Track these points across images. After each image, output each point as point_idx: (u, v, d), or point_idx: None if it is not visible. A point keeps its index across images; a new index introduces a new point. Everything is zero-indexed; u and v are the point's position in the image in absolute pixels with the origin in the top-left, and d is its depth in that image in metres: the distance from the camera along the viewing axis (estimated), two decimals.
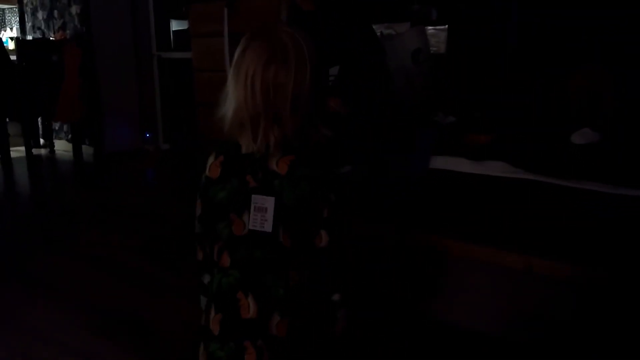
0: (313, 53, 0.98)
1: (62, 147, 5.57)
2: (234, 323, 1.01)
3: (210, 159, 1.05)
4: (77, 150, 5.07)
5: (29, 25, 5.83)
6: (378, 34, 2.88)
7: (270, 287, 0.99)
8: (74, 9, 5.21)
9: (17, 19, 5.91)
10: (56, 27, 5.41)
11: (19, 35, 5.83)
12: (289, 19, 2.06)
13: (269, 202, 0.96)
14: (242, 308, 1.00)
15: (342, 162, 1.87)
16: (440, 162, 1.66)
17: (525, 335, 1.26)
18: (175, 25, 5.33)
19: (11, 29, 6.00)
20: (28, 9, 5.78)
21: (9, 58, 4.94)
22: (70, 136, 5.33)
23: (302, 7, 2.05)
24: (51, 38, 5.38)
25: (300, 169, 0.96)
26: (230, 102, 0.99)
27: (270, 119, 0.96)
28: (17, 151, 5.07)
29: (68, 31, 5.28)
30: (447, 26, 2.84)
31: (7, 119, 4.95)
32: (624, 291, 1.11)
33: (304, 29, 1.02)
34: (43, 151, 5.57)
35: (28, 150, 5.06)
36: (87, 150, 5.24)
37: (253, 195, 0.98)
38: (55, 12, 5.43)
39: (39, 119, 5.57)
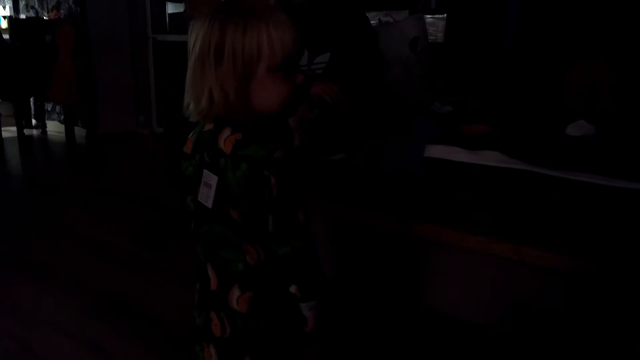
0: (232, 36, 0.94)
1: (54, 128, 5.53)
2: (205, 293, 1.04)
3: (190, 135, 1.05)
4: (69, 131, 5.03)
5: (22, 3, 5.75)
6: (376, 21, 2.86)
7: (229, 261, 0.99)
8: None
9: None
10: (50, 7, 5.34)
11: (12, 13, 5.75)
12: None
13: (214, 180, 0.95)
14: (210, 280, 1.02)
15: (335, 149, 1.86)
16: (436, 151, 1.65)
17: (516, 325, 1.27)
18: (171, 8, 5.27)
19: (4, 7, 5.92)
20: None
21: (2, 37, 4.88)
22: (62, 117, 5.29)
23: None
24: (45, 17, 5.31)
25: (243, 150, 0.93)
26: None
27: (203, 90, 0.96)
28: (9, 131, 5.03)
29: (62, 11, 5.21)
30: (445, 15, 2.83)
31: None
32: (615, 282, 1.11)
33: (293, 17, 1.00)
34: (35, 132, 5.53)
35: (20, 131, 5.02)
36: (79, 132, 5.20)
37: (204, 170, 0.97)
38: None
39: (31, 99, 5.52)
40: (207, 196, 0.97)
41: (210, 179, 0.96)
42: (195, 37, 0.97)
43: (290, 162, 0.97)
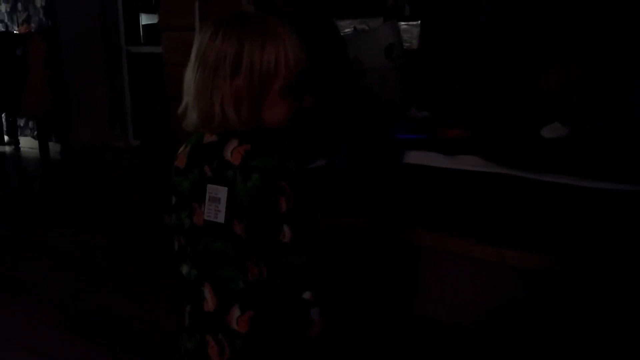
0: (250, 48, 0.94)
1: (27, 144, 5.42)
2: (198, 315, 1.02)
3: (181, 149, 1.04)
4: (43, 146, 4.93)
5: None
6: (351, 29, 2.88)
7: (229, 280, 0.98)
8: (39, 2, 5.06)
9: None
10: (20, 20, 5.25)
11: None
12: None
13: (222, 192, 0.94)
14: (205, 301, 1.00)
15: (316, 155, 1.86)
16: (414, 157, 1.66)
17: (501, 327, 1.28)
18: (144, 20, 5.23)
19: None
20: None
21: None
22: (36, 133, 5.19)
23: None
24: (15, 31, 5.22)
25: (253, 160, 0.93)
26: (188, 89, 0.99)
27: (213, 101, 0.95)
28: None
29: (33, 24, 5.13)
30: (419, 22, 2.86)
31: None
32: (596, 282, 1.13)
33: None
34: (7, 148, 5.42)
35: None
36: (54, 147, 5.11)
37: (208, 185, 0.96)
38: (19, 4, 5.27)
39: (3, 115, 5.41)
40: (216, 211, 0.95)
41: (217, 192, 0.95)
42: (205, 45, 0.96)
43: (302, 172, 0.99)
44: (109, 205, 3.62)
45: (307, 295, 1.00)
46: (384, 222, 1.39)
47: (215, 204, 0.95)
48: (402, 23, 2.83)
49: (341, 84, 2.06)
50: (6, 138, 5.51)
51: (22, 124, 5.49)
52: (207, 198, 0.96)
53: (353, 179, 1.64)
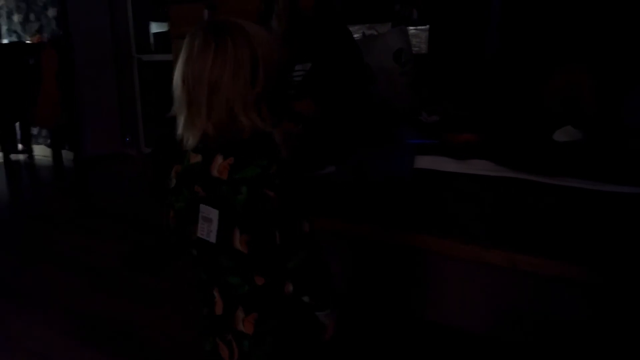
0: (263, 50, 0.94)
1: (41, 152, 5.47)
2: (211, 318, 1.03)
3: (174, 168, 1.04)
4: (56, 155, 4.98)
5: (4, 28, 5.72)
6: (360, 34, 2.88)
7: (237, 286, 0.99)
8: (51, 12, 5.13)
9: None
10: (33, 31, 5.31)
11: None
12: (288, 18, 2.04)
13: (214, 213, 0.95)
14: (215, 304, 1.02)
15: (326, 162, 1.86)
16: (424, 162, 1.66)
17: (513, 334, 1.26)
18: (155, 28, 5.27)
19: None
20: (3, 12, 5.67)
21: None
22: (49, 141, 5.24)
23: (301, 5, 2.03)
24: (28, 42, 5.29)
25: (238, 173, 0.92)
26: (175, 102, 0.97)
27: (192, 113, 0.94)
28: None
29: (45, 34, 5.19)
30: (428, 26, 2.85)
31: None
32: (610, 288, 1.11)
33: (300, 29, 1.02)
34: (21, 157, 5.47)
35: (6, 156, 4.96)
36: (67, 155, 5.16)
37: (201, 205, 0.97)
38: (32, 15, 5.33)
39: (17, 124, 5.47)
40: (208, 231, 0.96)
41: (209, 213, 0.96)
42: (205, 59, 0.93)
43: (286, 174, 0.96)
44: (119, 213, 3.64)
45: (305, 298, 1.01)
46: (394, 229, 1.38)
47: (208, 223, 0.96)
48: (411, 28, 2.82)
49: (353, 91, 2.06)
50: (20, 146, 5.57)
51: (35, 133, 5.55)
52: (200, 217, 0.97)
53: (363, 184, 1.63)
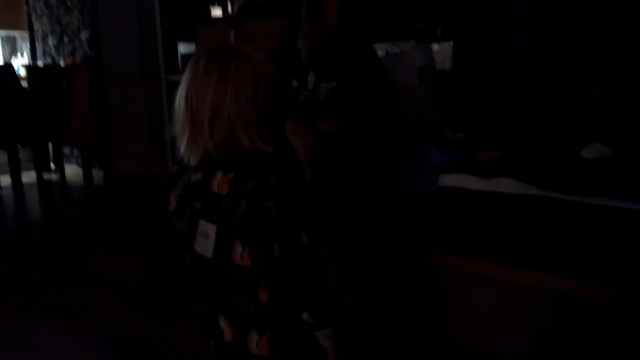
0: (264, 73, 0.98)
1: (72, 171, 5.61)
2: (220, 347, 1.03)
3: (172, 191, 1.05)
4: (87, 174, 5.10)
5: (39, 51, 5.92)
6: (383, 52, 2.89)
7: (243, 306, 0.98)
8: (84, 35, 5.30)
9: (28, 45, 6.01)
10: (66, 53, 5.49)
11: (30, 61, 5.92)
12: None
13: (212, 229, 0.95)
14: (223, 332, 1.01)
15: (351, 179, 1.86)
16: (450, 180, 1.64)
17: (542, 357, 1.23)
18: (182, 49, 5.38)
19: (22, 55, 6.10)
20: (39, 35, 5.88)
21: (21, 85, 5.02)
22: (80, 160, 5.37)
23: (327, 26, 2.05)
24: (61, 64, 5.46)
25: (239, 187, 0.94)
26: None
27: (194, 132, 0.97)
28: (28, 176, 5.12)
29: (77, 56, 5.36)
30: (451, 42, 2.84)
31: (19, 145, 5.01)
32: None
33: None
34: (54, 176, 5.62)
35: (39, 175, 5.10)
36: (97, 174, 5.28)
37: (200, 220, 0.97)
38: (65, 37, 5.52)
39: (50, 144, 5.63)
40: (205, 246, 0.96)
41: (207, 228, 0.96)
42: (208, 80, 0.98)
43: (285, 186, 0.96)
44: (149, 231, 3.69)
45: (305, 315, 0.99)
46: (418, 246, 1.37)
47: (205, 239, 0.96)
48: (435, 44, 2.82)
49: (377, 109, 2.07)
50: (52, 166, 5.73)
51: (67, 152, 5.70)
52: (198, 233, 0.97)
53: (388, 202, 1.63)
